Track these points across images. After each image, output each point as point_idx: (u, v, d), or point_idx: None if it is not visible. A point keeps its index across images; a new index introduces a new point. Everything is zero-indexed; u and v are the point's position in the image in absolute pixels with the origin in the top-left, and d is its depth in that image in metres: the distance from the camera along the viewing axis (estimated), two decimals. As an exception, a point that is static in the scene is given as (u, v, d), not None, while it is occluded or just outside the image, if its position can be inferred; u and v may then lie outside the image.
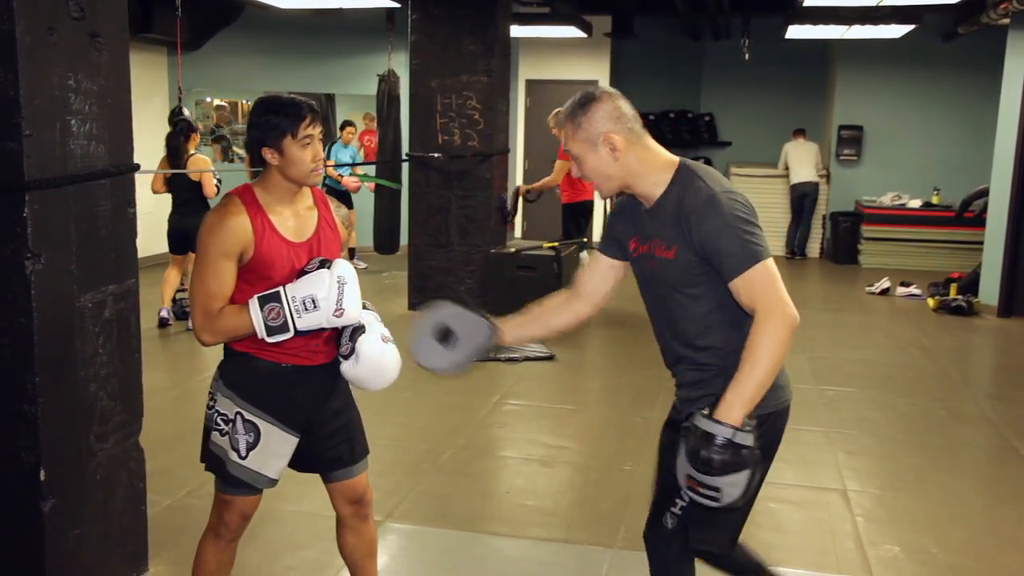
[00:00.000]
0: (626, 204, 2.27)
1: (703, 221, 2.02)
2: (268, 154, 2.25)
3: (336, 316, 2.20)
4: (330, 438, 2.44)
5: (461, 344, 2.27)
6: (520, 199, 7.98)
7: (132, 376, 2.94)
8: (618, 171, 2.12)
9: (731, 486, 1.93)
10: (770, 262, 2.01)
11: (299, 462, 2.46)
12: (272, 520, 3.50)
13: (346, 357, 2.34)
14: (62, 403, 2.62)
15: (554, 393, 5.46)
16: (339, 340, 2.36)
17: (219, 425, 2.34)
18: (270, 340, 2.19)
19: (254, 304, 2.19)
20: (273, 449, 2.33)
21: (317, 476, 2.52)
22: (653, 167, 2.12)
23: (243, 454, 2.31)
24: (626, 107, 2.12)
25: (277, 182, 2.29)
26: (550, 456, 4.40)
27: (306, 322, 2.18)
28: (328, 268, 2.22)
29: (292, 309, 2.17)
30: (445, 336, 2.26)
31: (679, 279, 2.10)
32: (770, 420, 2.11)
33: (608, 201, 9.69)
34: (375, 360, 2.33)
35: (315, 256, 2.32)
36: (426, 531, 3.54)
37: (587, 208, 8.07)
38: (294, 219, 2.33)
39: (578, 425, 4.91)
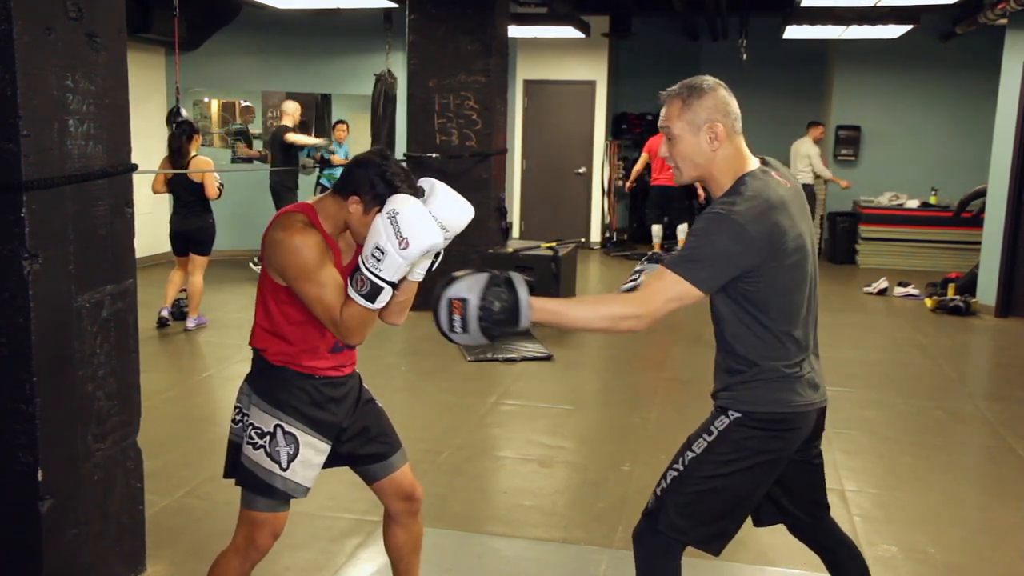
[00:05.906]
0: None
1: (695, 223, 2.10)
2: (354, 203, 2.24)
3: (403, 249, 2.07)
4: (359, 436, 2.47)
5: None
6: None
7: (130, 376, 2.94)
8: (707, 161, 2.14)
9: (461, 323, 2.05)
10: (681, 281, 2.02)
11: (334, 461, 2.48)
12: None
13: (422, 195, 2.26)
14: (59, 403, 2.62)
15: (552, 393, 5.46)
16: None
17: (253, 439, 2.32)
18: (376, 306, 2.13)
19: (349, 287, 2.16)
20: (310, 459, 2.35)
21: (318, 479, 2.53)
22: (731, 170, 2.13)
23: (284, 465, 2.31)
24: (735, 105, 2.15)
25: (335, 217, 2.29)
26: (548, 456, 4.40)
27: (389, 272, 2.10)
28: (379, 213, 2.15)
29: (368, 268, 2.11)
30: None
31: None
32: (760, 423, 2.14)
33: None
34: (449, 193, 2.26)
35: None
36: (424, 530, 3.53)
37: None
38: (342, 242, 2.36)
39: (576, 425, 4.91)
